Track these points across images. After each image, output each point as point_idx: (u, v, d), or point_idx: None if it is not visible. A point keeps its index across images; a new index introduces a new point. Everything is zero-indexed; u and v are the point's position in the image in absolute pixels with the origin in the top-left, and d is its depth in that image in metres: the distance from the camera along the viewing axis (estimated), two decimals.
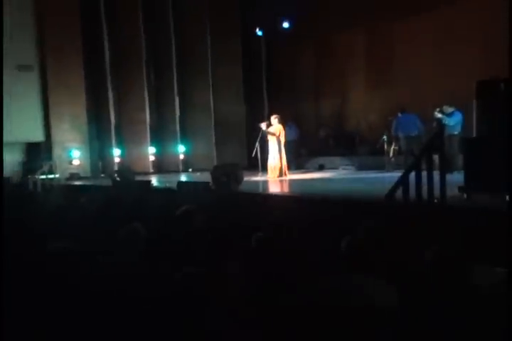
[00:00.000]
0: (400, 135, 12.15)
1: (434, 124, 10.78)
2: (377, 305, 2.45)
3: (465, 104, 10.62)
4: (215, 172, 10.02)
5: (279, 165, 11.73)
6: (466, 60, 11.76)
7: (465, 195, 6.37)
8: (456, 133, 10.58)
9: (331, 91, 15.37)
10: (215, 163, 14.59)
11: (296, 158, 14.46)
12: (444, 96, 11.26)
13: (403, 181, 6.21)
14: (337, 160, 14.10)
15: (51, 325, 2.38)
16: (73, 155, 15.40)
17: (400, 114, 12.21)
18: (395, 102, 12.99)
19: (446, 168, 6.52)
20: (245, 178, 10.15)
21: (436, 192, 6.13)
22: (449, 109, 10.72)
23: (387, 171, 11.69)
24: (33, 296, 2.66)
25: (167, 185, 10.97)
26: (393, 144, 12.59)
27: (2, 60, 12.88)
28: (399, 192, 6.23)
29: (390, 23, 13.48)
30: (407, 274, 2.94)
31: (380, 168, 12.27)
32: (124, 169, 13.92)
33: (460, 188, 6.43)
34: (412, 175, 6.21)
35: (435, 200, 6.12)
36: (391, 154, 12.49)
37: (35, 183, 13.24)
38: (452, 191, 6.36)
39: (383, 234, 3.61)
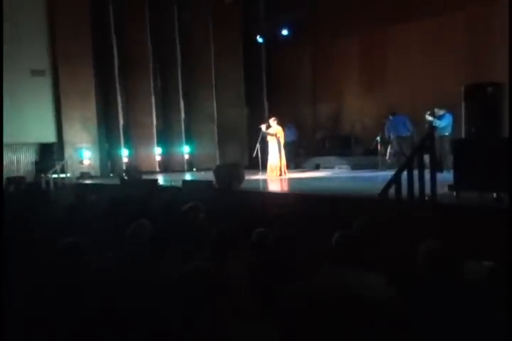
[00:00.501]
0: (392, 136, 12.19)
1: (426, 126, 10.77)
2: (376, 297, 2.43)
3: (453, 106, 10.65)
4: (218, 171, 10.01)
5: (279, 165, 11.72)
6: (454, 65, 11.79)
7: (454, 193, 6.36)
8: (447, 134, 10.56)
9: (328, 95, 15.36)
10: (217, 162, 14.60)
11: (295, 158, 14.44)
12: (434, 100, 11.25)
13: (396, 180, 6.20)
14: (333, 160, 14.07)
15: (54, 321, 2.36)
16: (84, 156, 15.42)
17: (391, 117, 12.23)
18: (387, 105, 12.99)
19: (436, 167, 6.51)
20: (246, 177, 10.13)
21: (428, 190, 6.12)
22: (440, 112, 10.69)
23: (381, 170, 11.67)
24: (40, 291, 2.64)
25: (173, 183, 10.96)
26: (389, 146, 12.57)
27: (2, 62, 12.87)
28: (392, 190, 6.22)
29: (383, 32, 13.50)
30: (400, 269, 2.92)
31: (374, 167, 12.25)
32: (132, 168, 13.93)
33: (450, 187, 6.42)
34: (404, 174, 6.19)
35: (426, 198, 6.11)
36: (387, 156, 12.45)
37: (47, 182, 13.26)
38: (442, 189, 6.34)
39: (377, 230, 3.60)
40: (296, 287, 2.31)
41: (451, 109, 10.62)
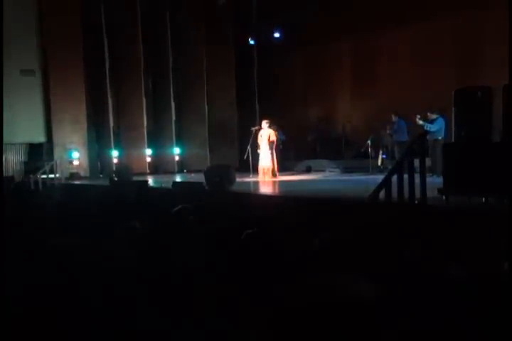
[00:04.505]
0: (395, 140, 11.91)
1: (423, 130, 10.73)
2: (362, 301, 2.43)
3: (444, 110, 10.71)
4: (208, 173, 10.00)
5: (271, 167, 11.73)
6: (444, 69, 11.89)
7: (444, 197, 6.40)
8: (439, 138, 10.57)
9: (319, 98, 15.43)
10: (208, 164, 14.57)
11: (283, 161, 14.35)
12: (424, 104, 11.32)
13: (386, 183, 6.24)
14: (324, 162, 14.11)
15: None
16: (73, 156, 15.34)
17: (397, 118, 11.92)
18: (377, 109, 13.07)
19: (428, 171, 6.56)
20: (237, 179, 10.13)
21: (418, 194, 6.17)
22: (433, 116, 10.73)
23: (372, 174, 11.70)
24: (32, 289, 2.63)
25: (163, 185, 10.94)
26: (380, 152, 12.52)
27: (2, 62, 12.77)
28: (382, 194, 6.26)
29: (374, 36, 13.60)
30: (385, 272, 2.93)
31: (365, 170, 12.27)
32: (122, 169, 13.87)
33: (439, 190, 6.47)
34: (395, 177, 6.24)
35: (416, 201, 6.15)
36: (379, 162, 12.40)
37: (36, 182, 13.17)
38: (433, 193, 6.38)
39: (365, 232, 3.63)
40: (285, 288, 2.32)
41: (442, 113, 10.69)
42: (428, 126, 10.58)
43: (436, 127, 10.61)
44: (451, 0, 11.61)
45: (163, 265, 3.15)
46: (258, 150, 11.80)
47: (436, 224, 5.31)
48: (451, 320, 2.23)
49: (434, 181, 7.47)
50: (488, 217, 5.22)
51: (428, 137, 10.51)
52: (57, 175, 14.15)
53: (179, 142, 16.52)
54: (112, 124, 15.81)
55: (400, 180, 6.19)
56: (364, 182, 9.63)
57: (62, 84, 14.99)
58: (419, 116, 10.73)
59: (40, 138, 15.45)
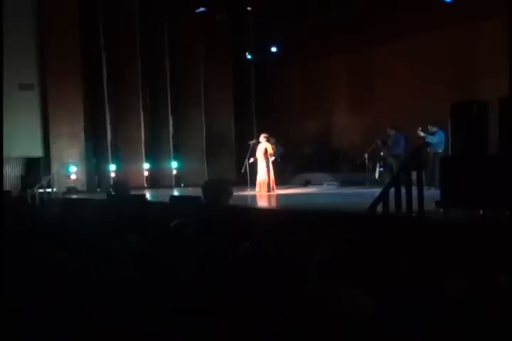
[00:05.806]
0: (397, 153, 11.80)
1: (421, 142, 10.78)
2: (357, 316, 2.43)
3: (441, 124, 10.80)
4: (205, 187, 10.00)
5: (267, 181, 11.73)
6: (440, 83, 11.98)
7: (441, 210, 6.41)
8: (440, 151, 10.64)
9: (316, 112, 15.49)
10: (206, 178, 14.58)
11: (280, 174, 14.32)
12: (421, 117, 11.39)
13: (383, 196, 6.26)
14: (322, 176, 14.12)
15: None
16: (71, 170, 15.34)
17: (394, 132, 11.90)
18: (375, 123, 13.13)
19: (427, 183, 6.57)
20: (235, 193, 10.13)
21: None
22: (433, 129, 10.83)
23: (369, 187, 11.70)
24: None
25: (160, 199, 10.93)
26: (378, 165, 12.52)
27: (2, 75, 12.81)
28: (379, 207, 6.27)
29: (371, 50, 13.73)
30: (382, 285, 2.93)
31: (362, 184, 12.27)
32: (120, 183, 13.87)
33: (437, 203, 6.48)
34: (393, 190, 6.25)
35: (413, 214, 6.16)
36: (376, 176, 12.40)
37: (33, 196, 13.15)
38: (431, 206, 6.39)
39: (363, 245, 3.63)
40: (285, 300, 2.32)
41: (440, 126, 10.78)
42: (430, 138, 10.66)
43: (437, 139, 10.69)
44: (447, 13, 11.74)
45: (161, 278, 3.15)
46: (250, 161, 11.80)
47: (434, 236, 5.31)
48: (449, 332, 2.23)
49: (432, 194, 7.48)
50: (486, 229, 5.22)
51: (429, 150, 10.61)
52: (55, 190, 14.14)
53: (177, 156, 16.56)
54: (109, 138, 15.86)
55: (398, 192, 6.21)
56: (362, 195, 9.63)
57: (60, 98, 15.06)
58: (420, 128, 10.81)
59: (37, 152, 15.47)
